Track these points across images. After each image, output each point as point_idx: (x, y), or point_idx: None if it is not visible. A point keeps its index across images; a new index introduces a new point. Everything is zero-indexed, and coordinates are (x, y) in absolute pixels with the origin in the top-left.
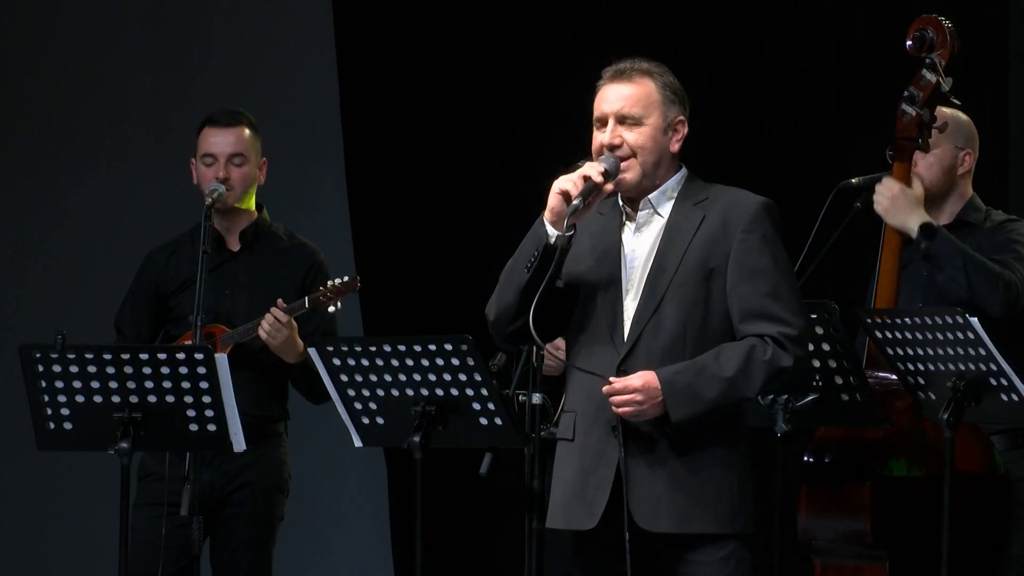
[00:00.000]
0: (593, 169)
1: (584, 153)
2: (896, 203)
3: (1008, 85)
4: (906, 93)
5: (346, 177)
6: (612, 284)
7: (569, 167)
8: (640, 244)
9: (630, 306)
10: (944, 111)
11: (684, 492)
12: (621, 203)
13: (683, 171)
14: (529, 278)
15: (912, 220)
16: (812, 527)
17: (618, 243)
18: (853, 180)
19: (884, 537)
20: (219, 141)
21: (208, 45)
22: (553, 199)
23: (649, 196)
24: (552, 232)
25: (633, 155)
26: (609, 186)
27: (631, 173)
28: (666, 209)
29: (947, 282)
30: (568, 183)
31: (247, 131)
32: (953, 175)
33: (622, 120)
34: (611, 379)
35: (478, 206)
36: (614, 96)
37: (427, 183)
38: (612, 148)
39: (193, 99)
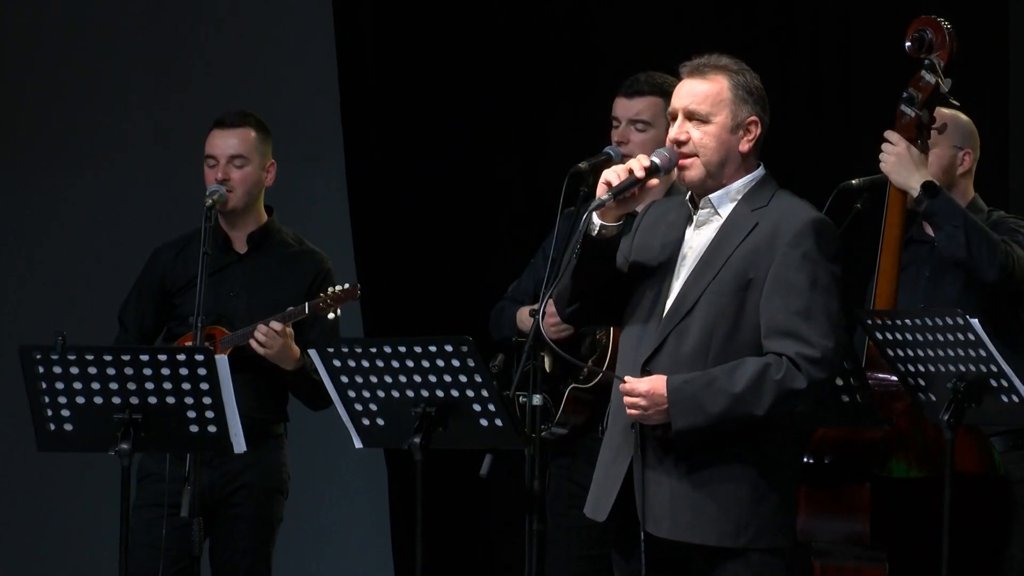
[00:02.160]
0: (637, 163)
1: (584, 154)
2: (901, 161)
3: (1008, 85)
4: (905, 94)
5: (346, 177)
6: (664, 278)
7: (602, 158)
8: (697, 242)
9: (670, 304)
10: (944, 112)
11: (689, 500)
12: (687, 198)
13: (756, 173)
14: (576, 265)
15: (915, 179)
16: (811, 528)
17: (680, 238)
18: (853, 181)
19: (883, 538)
20: (221, 142)
21: (208, 45)
22: (600, 188)
23: (711, 196)
24: (596, 222)
25: (696, 153)
26: (654, 181)
27: (694, 171)
28: (726, 210)
29: (945, 240)
30: (613, 174)
31: (252, 133)
32: (952, 174)
33: (690, 116)
34: (625, 378)
35: (479, 207)
36: (686, 91)
37: (427, 184)
38: (679, 143)
39: (193, 99)
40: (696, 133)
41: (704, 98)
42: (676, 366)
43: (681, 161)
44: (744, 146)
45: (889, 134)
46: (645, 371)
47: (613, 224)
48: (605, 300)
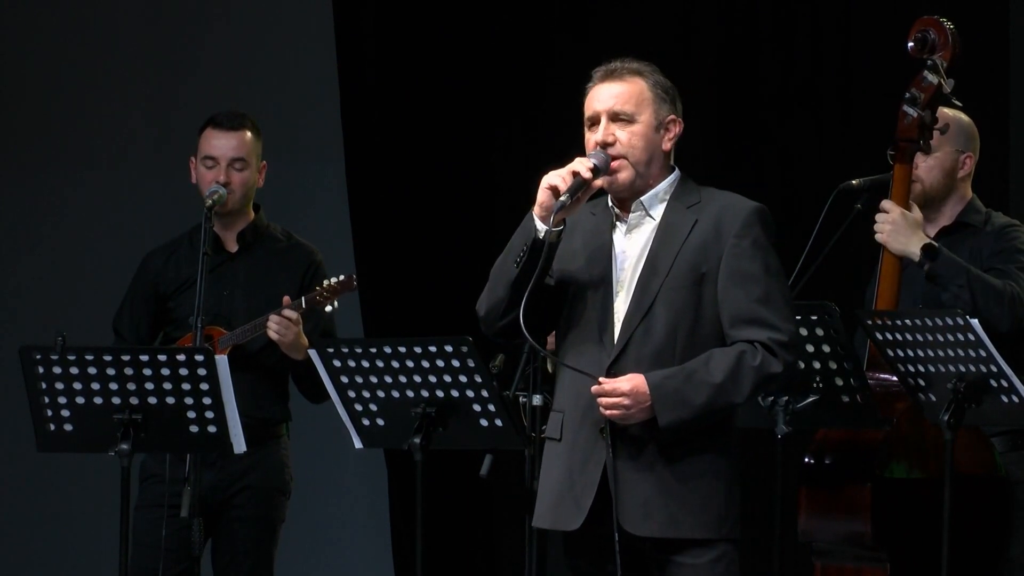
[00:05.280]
0: (582, 164)
1: (583, 155)
2: (897, 228)
3: (1008, 85)
4: (908, 95)
5: (346, 177)
6: (603, 284)
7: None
8: (631, 246)
9: (620, 307)
10: (946, 112)
11: (671, 497)
12: (611, 204)
13: (676, 174)
14: (518, 273)
15: (913, 244)
16: (812, 528)
17: (609, 243)
18: (854, 182)
19: (884, 539)
20: (221, 144)
21: (208, 45)
22: (542, 194)
23: (641, 198)
24: (541, 227)
25: (624, 154)
26: (599, 182)
27: (624, 173)
28: (658, 212)
29: (952, 301)
30: (557, 178)
31: (249, 135)
32: (954, 178)
33: (614, 118)
34: (600, 379)
35: (478, 206)
36: (606, 95)
37: (427, 183)
38: (605, 146)
39: (193, 99)
40: (623, 135)
41: (628, 98)
42: (643, 366)
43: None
44: (667, 145)
45: (884, 203)
46: (611, 373)
47: (556, 229)
48: (537, 312)
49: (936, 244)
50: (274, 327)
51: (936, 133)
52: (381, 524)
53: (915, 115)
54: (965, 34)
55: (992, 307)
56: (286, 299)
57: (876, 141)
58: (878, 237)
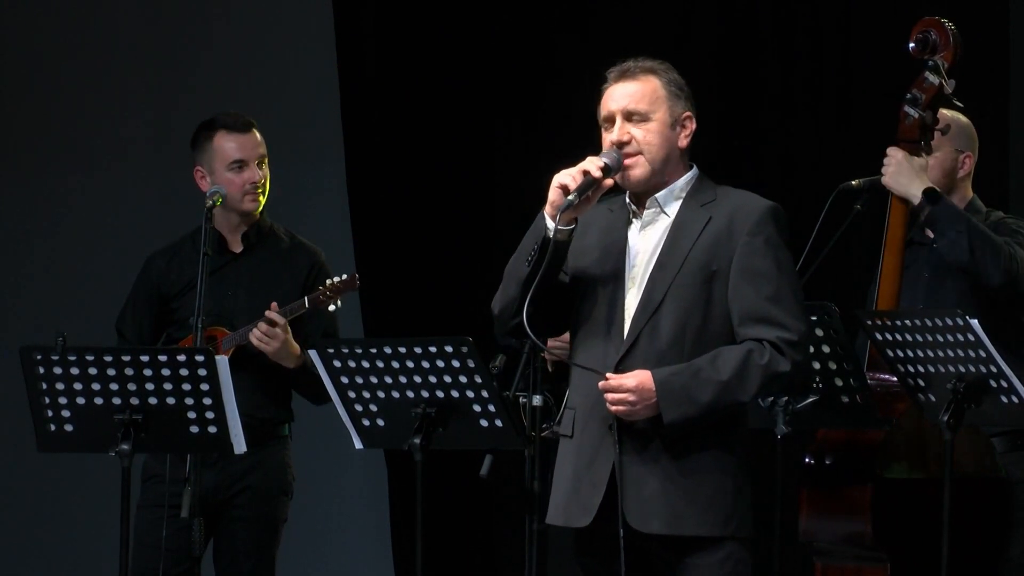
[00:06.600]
0: (592, 164)
1: (588, 152)
2: (901, 170)
3: (1008, 85)
4: (909, 95)
5: (346, 177)
6: (615, 280)
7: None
8: (644, 242)
9: (631, 304)
10: (945, 113)
11: (677, 494)
12: (628, 200)
13: (693, 171)
14: (529, 272)
15: (915, 186)
16: (813, 529)
17: (623, 240)
18: (854, 182)
19: (884, 539)
20: (245, 144)
21: (208, 45)
22: (553, 193)
23: (656, 195)
24: (551, 226)
25: (641, 151)
26: (609, 181)
27: (639, 169)
28: (673, 208)
29: (949, 247)
30: (567, 177)
31: (258, 132)
32: (953, 177)
33: (629, 117)
34: (607, 375)
35: (478, 206)
36: (620, 94)
37: (427, 183)
38: (620, 145)
39: (193, 99)
40: (638, 132)
41: (641, 97)
42: (651, 363)
43: (625, 161)
44: (683, 142)
45: (889, 149)
46: (620, 369)
47: (566, 228)
48: (551, 309)
49: (938, 189)
50: (258, 335)
51: (937, 134)
52: (381, 524)
53: (916, 116)
54: (965, 34)
55: (988, 257)
56: (273, 305)
57: (876, 141)
58: (883, 179)
